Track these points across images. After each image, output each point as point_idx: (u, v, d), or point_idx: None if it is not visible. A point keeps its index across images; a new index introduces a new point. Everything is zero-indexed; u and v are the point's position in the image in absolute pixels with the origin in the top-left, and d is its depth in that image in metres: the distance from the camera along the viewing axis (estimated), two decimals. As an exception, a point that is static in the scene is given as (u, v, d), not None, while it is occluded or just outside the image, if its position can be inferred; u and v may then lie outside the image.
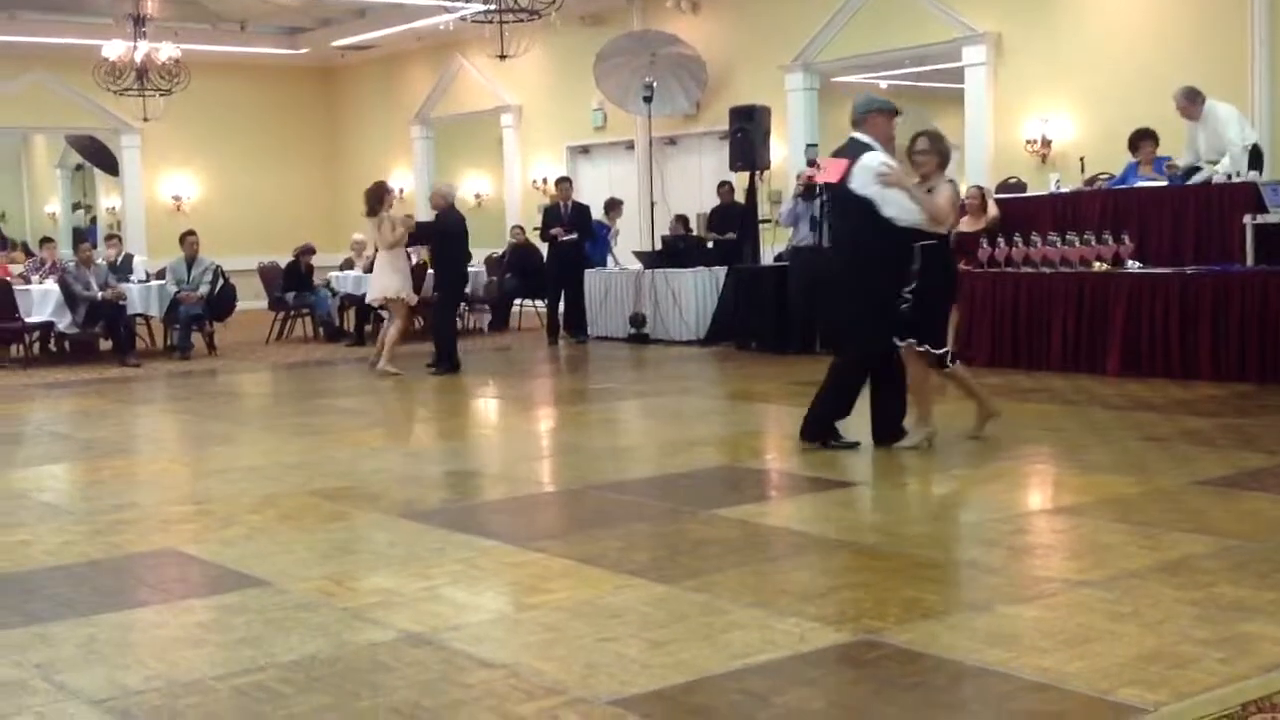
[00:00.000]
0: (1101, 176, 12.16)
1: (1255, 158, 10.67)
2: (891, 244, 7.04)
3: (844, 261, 7.41)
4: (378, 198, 12.28)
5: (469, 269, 14.06)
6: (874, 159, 7.05)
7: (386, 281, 12.29)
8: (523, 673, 3.77)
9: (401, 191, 22.61)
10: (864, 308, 7.23)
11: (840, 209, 7.54)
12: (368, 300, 13.28)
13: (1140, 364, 10.07)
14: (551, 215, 15.34)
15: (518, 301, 17.47)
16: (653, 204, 16.77)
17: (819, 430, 7.34)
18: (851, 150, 7.20)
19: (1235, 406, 8.56)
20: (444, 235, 12.52)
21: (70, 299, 13.67)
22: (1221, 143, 10.74)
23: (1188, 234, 10.58)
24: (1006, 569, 4.83)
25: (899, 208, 6.99)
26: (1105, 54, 13.41)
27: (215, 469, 7.59)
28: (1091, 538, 5.25)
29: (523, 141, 20.41)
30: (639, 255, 15.75)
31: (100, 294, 13.77)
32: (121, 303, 13.97)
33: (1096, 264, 10.49)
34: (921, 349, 7.15)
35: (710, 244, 15.30)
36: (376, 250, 12.63)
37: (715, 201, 15.89)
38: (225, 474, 7.32)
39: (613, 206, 16.65)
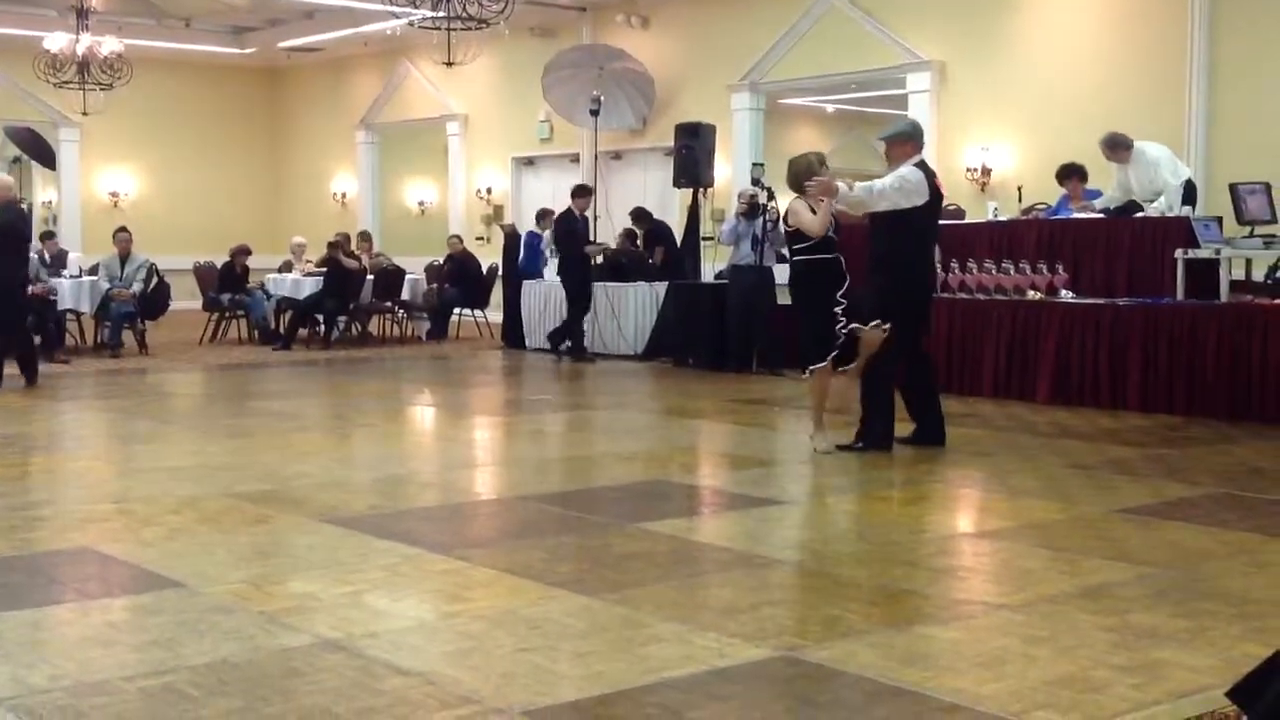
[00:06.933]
0: (1038, 207, 12.31)
1: (1189, 193, 10.84)
2: None
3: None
4: None
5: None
6: None
7: None
8: (438, 681, 3.73)
9: (345, 196, 22.52)
10: None
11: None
12: None
13: (1070, 393, 10.19)
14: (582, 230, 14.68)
15: (456, 310, 17.38)
16: (596, 218, 16.74)
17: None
18: None
19: (1161, 437, 8.67)
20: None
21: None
22: (1155, 183, 10.90)
23: (1120, 266, 10.71)
24: (928, 590, 4.85)
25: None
26: (1046, 86, 13.59)
27: (138, 468, 7.49)
28: (1013, 562, 5.29)
29: (468, 151, 20.35)
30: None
31: (30, 288, 13.51)
32: (51, 298, 13.76)
33: (1030, 293, 10.61)
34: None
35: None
36: None
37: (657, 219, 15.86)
38: (148, 474, 7.23)
39: (544, 216, 16.39)
